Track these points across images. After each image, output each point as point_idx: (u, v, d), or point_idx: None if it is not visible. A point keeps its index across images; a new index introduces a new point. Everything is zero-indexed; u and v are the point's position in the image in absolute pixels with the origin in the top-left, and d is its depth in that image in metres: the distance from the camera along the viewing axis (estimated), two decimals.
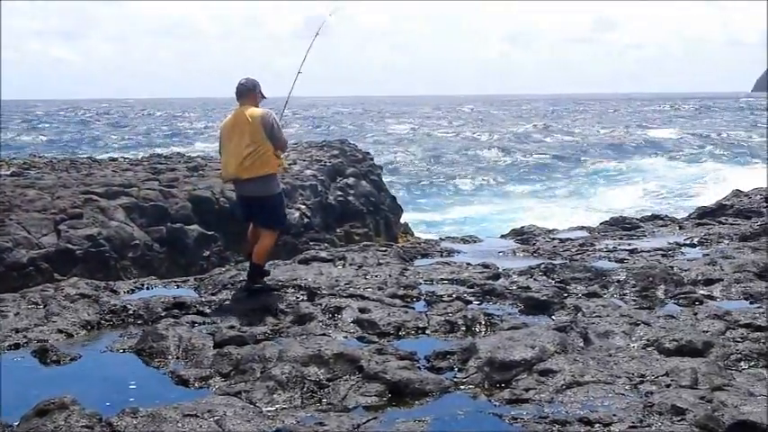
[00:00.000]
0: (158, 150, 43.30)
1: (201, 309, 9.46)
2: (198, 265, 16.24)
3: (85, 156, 32.83)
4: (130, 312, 9.44)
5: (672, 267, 10.87)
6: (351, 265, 11.52)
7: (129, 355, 8.13)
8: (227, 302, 9.68)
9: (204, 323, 8.89)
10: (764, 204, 16.86)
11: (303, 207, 19.95)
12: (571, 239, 14.26)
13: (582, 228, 16.56)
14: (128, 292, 10.63)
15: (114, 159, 26.84)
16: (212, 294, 10.23)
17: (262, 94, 9.80)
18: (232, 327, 8.56)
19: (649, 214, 18.46)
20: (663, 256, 12.15)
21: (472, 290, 10.09)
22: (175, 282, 11.41)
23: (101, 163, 24.27)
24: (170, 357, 7.93)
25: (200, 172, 20.90)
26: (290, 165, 9.99)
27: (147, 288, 10.93)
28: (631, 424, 5.89)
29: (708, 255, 11.97)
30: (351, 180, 23.78)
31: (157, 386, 7.22)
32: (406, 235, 24.96)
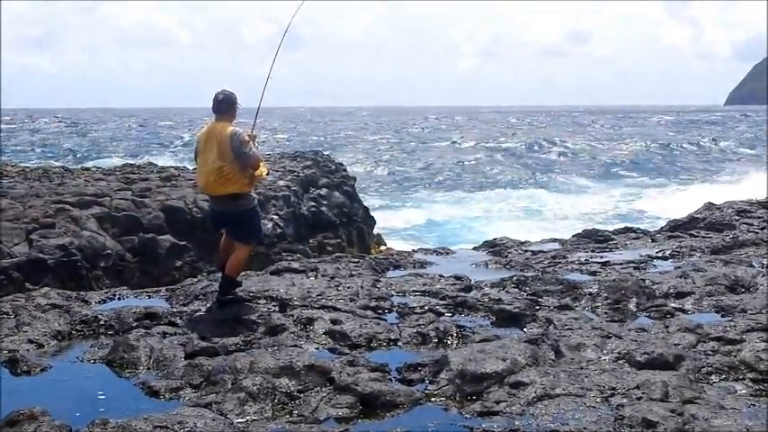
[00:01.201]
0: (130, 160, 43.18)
1: (173, 319, 9.41)
2: (170, 276, 16.15)
3: (58, 165, 32.65)
4: (102, 323, 9.38)
5: (644, 280, 10.93)
6: (323, 276, 11.51)
7: (100, 366, 8.08)
8: (198, 313, 9.64)
9: (175, 334, 8.83)
10: (736, 218, 16.98)
11: (276, 218, 19.91)
12: (543, 252, 14.30)
13: (554, 240, 16.62)
14: (99, 302, 10.57)
15: (87, 169, 26.67)
16: (184, 305, 10.19)
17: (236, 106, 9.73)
18: (203, 338, 8.54)
19: (622, 227, 18.54)
20: (635, 268, 12.21)
21: (444, 302, 10.10)
22: (147, 292, 11.35)
23: (73, 172, 24.13)
24: (141, 368, 7.90)
25: (173, 182, 20.80)
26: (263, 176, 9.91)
27: (119, 298, 10.87)
28: None
29: (679, 268, 12.04)
30: (324, 191, 23.74)
31: (128, 397, 7.19)
32: (379, 246, 24.97)
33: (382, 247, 24.76)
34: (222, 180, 9.30)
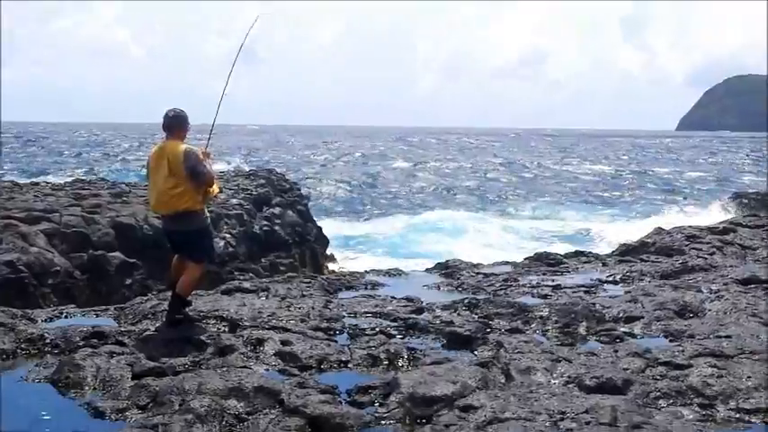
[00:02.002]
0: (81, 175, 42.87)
1: (121, 339, 9.28)
2: (119, 294, 15.99)
3: (6, 180, 32.26)
4: (47, 341, 9.23)
5: (594, 304, 10.99)
6: (274, 296, 11.44)
7: (45, 386, 7.96)
8: (147, 333, 9.51)
9: (123, 353, 8.71)
10: (686, 243, 17.12)
11: (228, 236, 19.83)
12: (495, 274, 14.33)
13: (506, 263, 16.66)
14: (45, 320, 10.42)
15: (36, 184, 26.36)
16: (132, 324, 10.07)
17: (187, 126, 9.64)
18: (151, 358, 8.43)
19: (573, 250, 18.64)
20: (585, 292, 12.27)
21: (395, 323, 10.08)
22: (95, 311, 11.20)
23: (22, 187, 23.84)
24: (87, 388, 7.79)
25: (124, 198, 20.66)
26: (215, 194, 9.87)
27: (66, 317, 10.73)
28: None
29: (629, 292, 12.11)
30: (277, 210, 23.69)
31: (73, 418, 7.10)
32: (332, 266, 24.95)
33: (334, 267, 24.74)
34: (174, 198, 9.21)
